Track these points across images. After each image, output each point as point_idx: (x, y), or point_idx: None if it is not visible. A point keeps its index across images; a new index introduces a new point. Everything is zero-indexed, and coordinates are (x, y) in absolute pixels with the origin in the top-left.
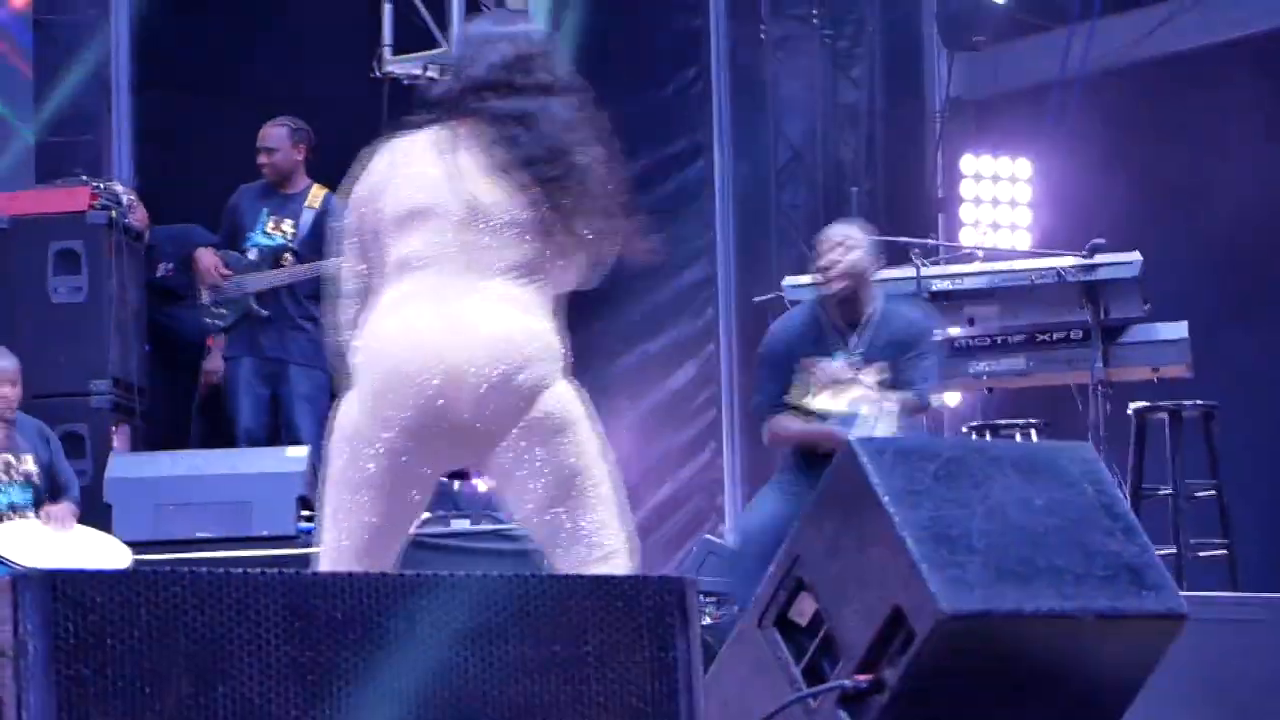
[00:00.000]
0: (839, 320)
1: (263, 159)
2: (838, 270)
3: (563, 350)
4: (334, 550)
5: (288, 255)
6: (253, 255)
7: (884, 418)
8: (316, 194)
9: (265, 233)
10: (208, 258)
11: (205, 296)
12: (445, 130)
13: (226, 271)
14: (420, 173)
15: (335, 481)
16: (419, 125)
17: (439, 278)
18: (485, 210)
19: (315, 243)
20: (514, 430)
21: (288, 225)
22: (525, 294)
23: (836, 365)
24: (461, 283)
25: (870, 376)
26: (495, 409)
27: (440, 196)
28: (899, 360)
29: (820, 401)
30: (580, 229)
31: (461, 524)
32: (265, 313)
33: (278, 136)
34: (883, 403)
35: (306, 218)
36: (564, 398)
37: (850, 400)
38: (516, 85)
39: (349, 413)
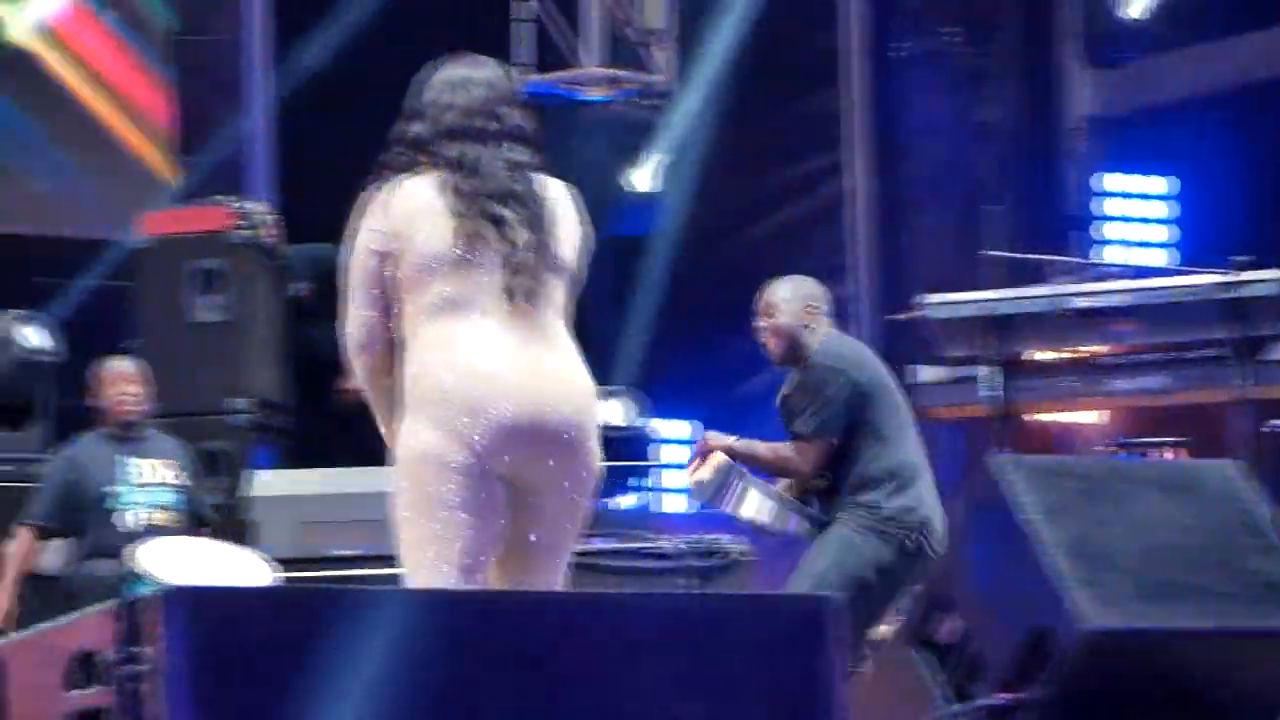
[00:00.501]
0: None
1: None
2: (764, 340)
3: None
4: (432, 574)
5: None
6: None
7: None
8: None
9: None
10: None
11: None
12: (444, 174)
13: None
14: (443, 219)
15: (417, 507)
16: (399, 167)
17: (490, 318)
18: (506, 252)
19: None
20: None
21: None
22: (567, 336)
23: (713, 433)
24: (523, 323)
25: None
26: (570, 456)
27: (468, 241)
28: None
29: (691, 475)
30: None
31: (607, 543)
32: None
33: None
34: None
35: None
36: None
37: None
38: (490, 130)
39: (422, 438)
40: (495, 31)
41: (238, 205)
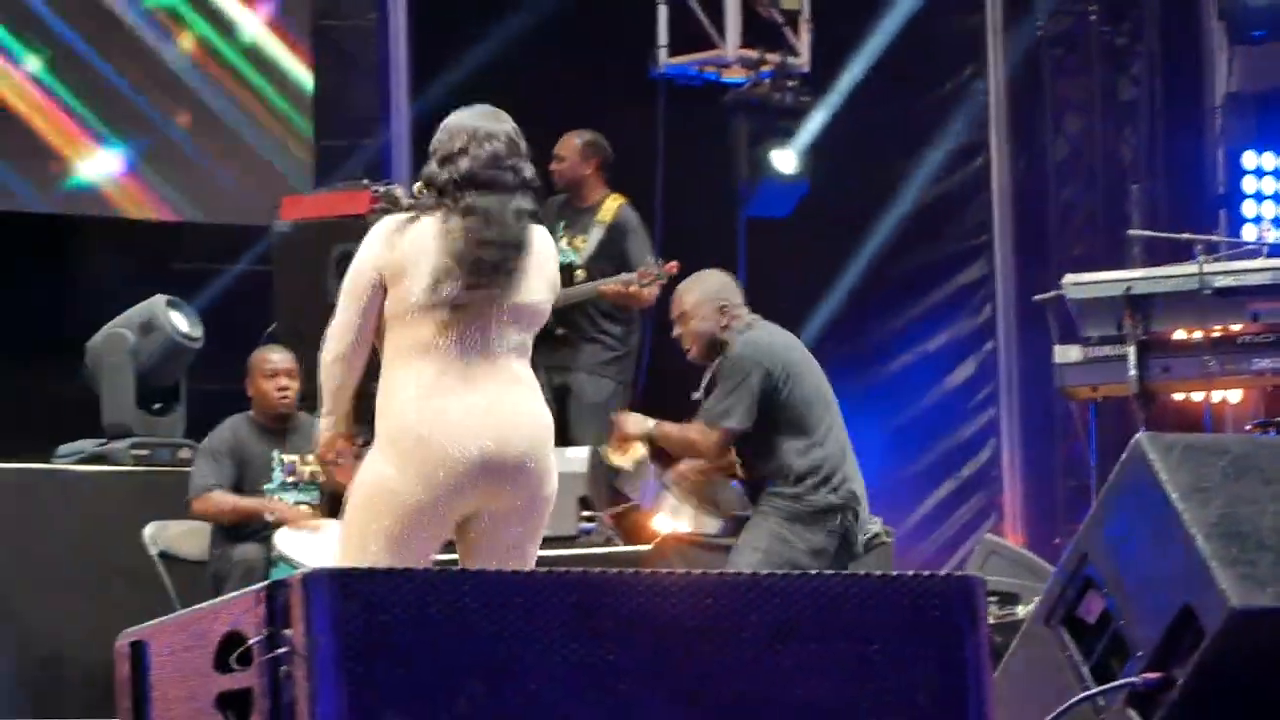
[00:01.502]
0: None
1: (552, 165)
2: (685, 346)
3: None
4: None
5: (578, 271)
6: None
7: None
8: (609, 207)
9: (560, 249)
10: None
11: None
12: (446, 217)
13: None
14: (438, 262)
15: (362, 534)
16: (424, 206)
17: (461, 360)
18: (495, 297)
19: (602, 258)
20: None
21: (580, 240)
22: (530, 375)
23: (633, 417)
24: (486, 365)
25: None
26: (528, 486)
27: (455, 285)
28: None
29: (611, 456)
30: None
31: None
32: (560, 330)
33: (570, 146)
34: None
35: (595, 234)
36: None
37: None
38: (500, 183)
39: (381, 473)
40: (638, 15)
41: (379, 189)
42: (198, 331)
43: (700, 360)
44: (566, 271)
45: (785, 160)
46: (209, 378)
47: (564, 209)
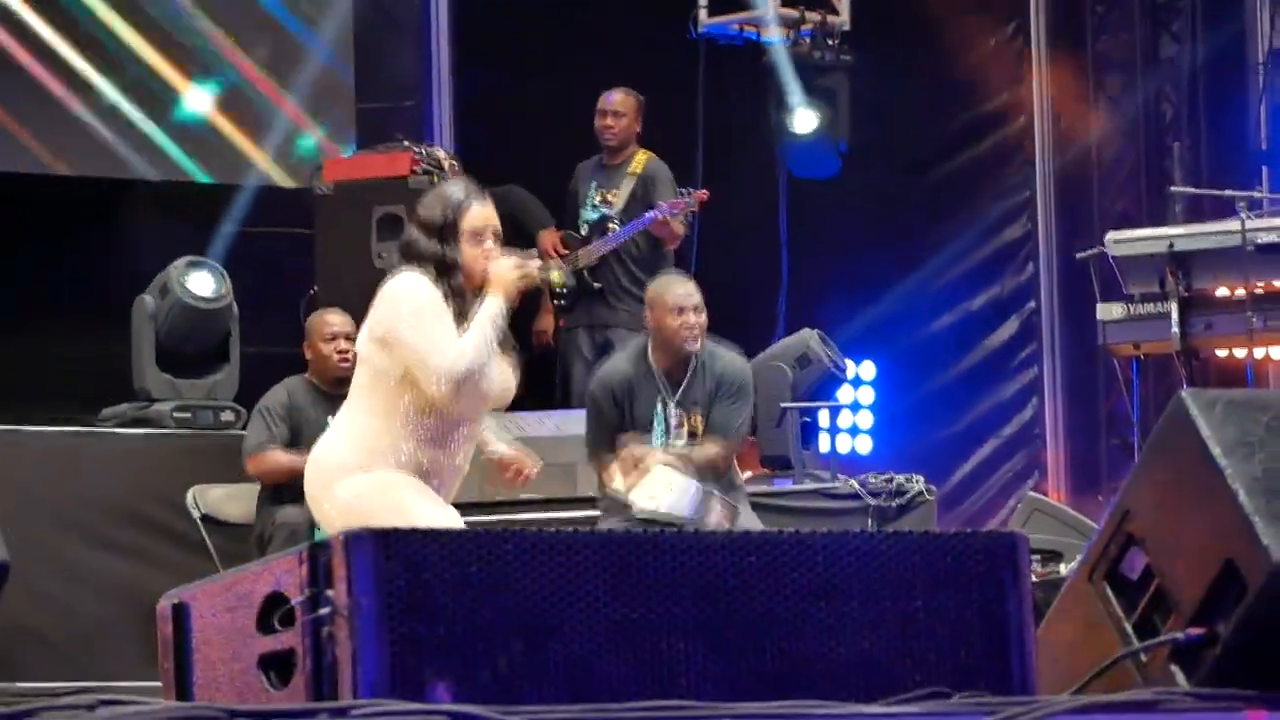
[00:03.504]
0: (669, 366)
1: (609, 121)
2: (697, 335)
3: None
4: None
5: (612, 224)
6: (584, 231)
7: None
8: (640, 160)
9: (594, 206)
10: (546, 239)
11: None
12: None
13: (564, 251)
14: None
15: None
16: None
17: None
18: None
19: (635, 207)
20: None
21: (613, 195)
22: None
23: (639, 449)
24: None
25: (680, 440)
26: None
27: None
28: (716, 404)
29: (619, 483)
30: None
31: (784, 483)
32: (597, 285)
33: (628, 104)
34: (673, 480)
35: (627, 185)
36: None
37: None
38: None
39: None
40: None
41: (419, 150)
42: (219, 292)
43: (691, 355)
44: (601, 224)
45: (805, 121)
46: (265, 340)
47: (597, 170)
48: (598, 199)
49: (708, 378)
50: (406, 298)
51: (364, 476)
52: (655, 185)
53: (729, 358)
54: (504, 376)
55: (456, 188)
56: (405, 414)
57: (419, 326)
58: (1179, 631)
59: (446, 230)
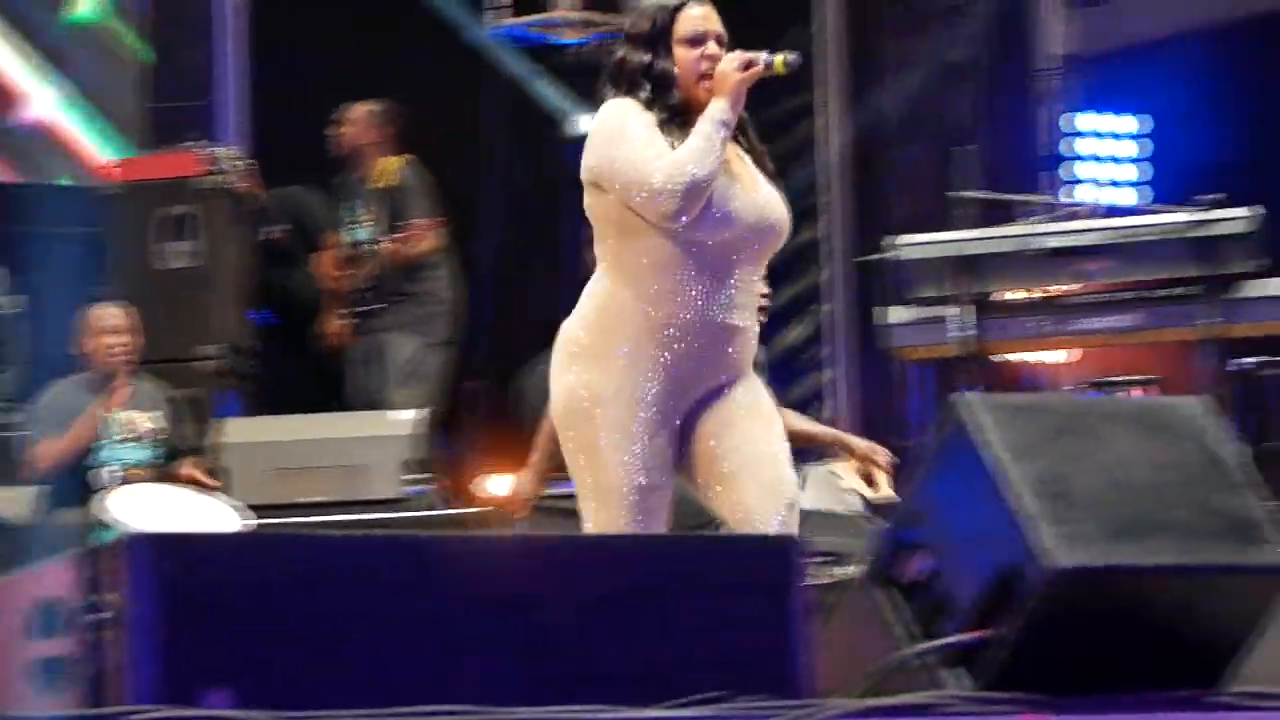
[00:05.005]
0: None
1: (335, 130)
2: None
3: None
4: None
5: (375, 246)
6: (351, 248)
7: None
8: (388, 170)
9: (355, 225)
10: (324, 264)
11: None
12: None
13: (343, 272)
14: None
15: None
16: None
17: None
18: None
19: (389, 221)
20: None
21: (367, 215)
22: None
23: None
24: None
25: None
26: None
27: None
28: None
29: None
30: None
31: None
32: (368, 293)
33: (358, 113)
34: None
35: (378, 201)
36: None
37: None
38: None
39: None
40: None
41: (207, 151)
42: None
43: None
44: (366, 244)
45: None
46: (54, 341)
47: (356, 185)
48: (360, 216)
49: None
50: (601, 123)
51: (582, 375)
52: (405, 196)
53: None
54: (765, 199)
55: None
56: (636, 272)
57: (621, 145)
58: (959, 634)
59: (658, 39)
